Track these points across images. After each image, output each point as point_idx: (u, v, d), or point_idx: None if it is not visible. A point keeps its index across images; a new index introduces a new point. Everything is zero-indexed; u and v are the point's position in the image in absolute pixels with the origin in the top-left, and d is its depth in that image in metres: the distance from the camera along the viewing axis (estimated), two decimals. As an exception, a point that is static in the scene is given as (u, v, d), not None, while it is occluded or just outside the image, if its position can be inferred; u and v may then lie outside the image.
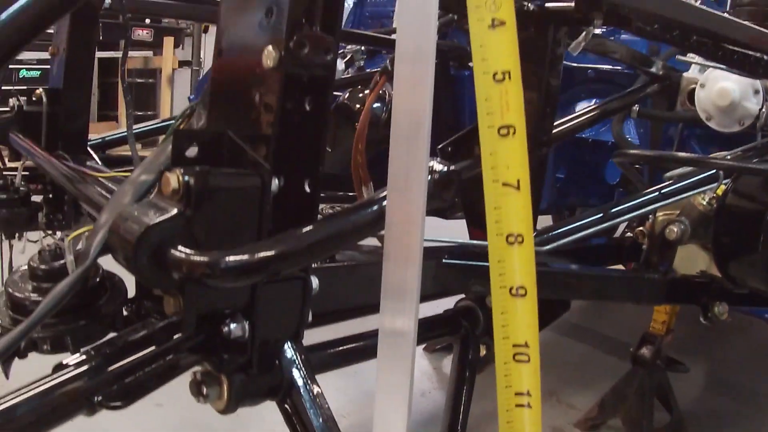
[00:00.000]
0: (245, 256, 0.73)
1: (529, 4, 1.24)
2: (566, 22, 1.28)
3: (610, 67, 2.17)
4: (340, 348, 1.13)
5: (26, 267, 0.94)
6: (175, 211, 0.73)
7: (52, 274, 0.91)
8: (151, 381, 0.77)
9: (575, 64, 2.18)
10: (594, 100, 2.37)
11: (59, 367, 0.75)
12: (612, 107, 1.80)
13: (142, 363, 0.76)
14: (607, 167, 2.38)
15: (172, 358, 0.79)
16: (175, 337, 0.81)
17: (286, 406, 0.93)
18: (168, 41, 6.93)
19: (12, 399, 0.70)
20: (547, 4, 1.25)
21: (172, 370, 0.80)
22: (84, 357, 0.75)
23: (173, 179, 0.72)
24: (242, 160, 0.81)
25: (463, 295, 1.36)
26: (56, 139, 1.62)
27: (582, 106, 2.46)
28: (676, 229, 1.40)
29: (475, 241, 1.27)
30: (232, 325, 0.83)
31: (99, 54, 5.50)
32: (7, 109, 1.66)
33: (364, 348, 1.13)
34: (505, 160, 0.66)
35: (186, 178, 0.72)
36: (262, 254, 0.74)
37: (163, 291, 0.78)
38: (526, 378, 0.67)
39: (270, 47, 0.77)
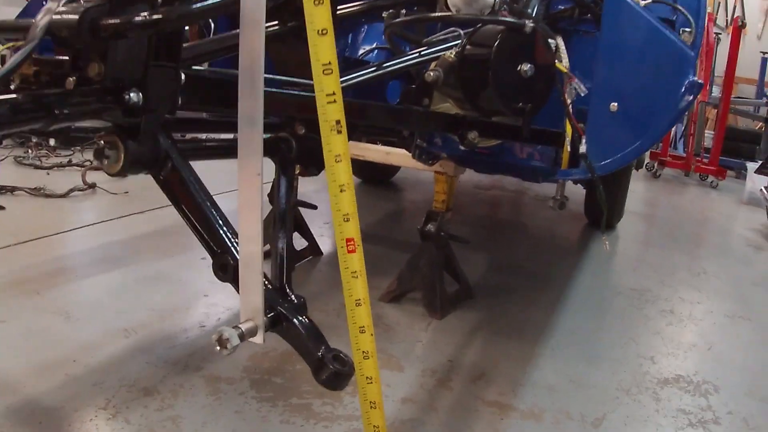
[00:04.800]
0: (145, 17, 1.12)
1: None
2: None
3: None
4: (204, 145, 1.52)
5: None
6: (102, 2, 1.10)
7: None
8: (84, 114, 1.13)
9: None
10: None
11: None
12: (380, 3, 2.26)
13: (82, 100, 1.12)
14: (387, 91, 2.88)
15: (95, 101, 1.14)
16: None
17: (162, 176, 1.30)
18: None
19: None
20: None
21: (95, 111, 1.15)
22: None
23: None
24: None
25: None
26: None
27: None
28: (432, 74, 1.90)
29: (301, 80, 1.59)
30: (132, 94, 1.19)
31: None
32: None
33: (222, 147, 1.52)
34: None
35: None
36: (153, 17, 1.13)
37: (90, 59, 1.14)
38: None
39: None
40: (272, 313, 1.19)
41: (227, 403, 2.02)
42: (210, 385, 2.11)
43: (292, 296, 1.27)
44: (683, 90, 1.81)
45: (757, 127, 10.17)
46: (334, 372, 1.18)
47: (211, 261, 1.30)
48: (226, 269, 1.23)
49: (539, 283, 3.51)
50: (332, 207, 1.14)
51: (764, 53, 10.32)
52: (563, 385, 2.35)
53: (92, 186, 4.39)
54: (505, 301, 3.13)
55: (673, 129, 9.20)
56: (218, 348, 1.09)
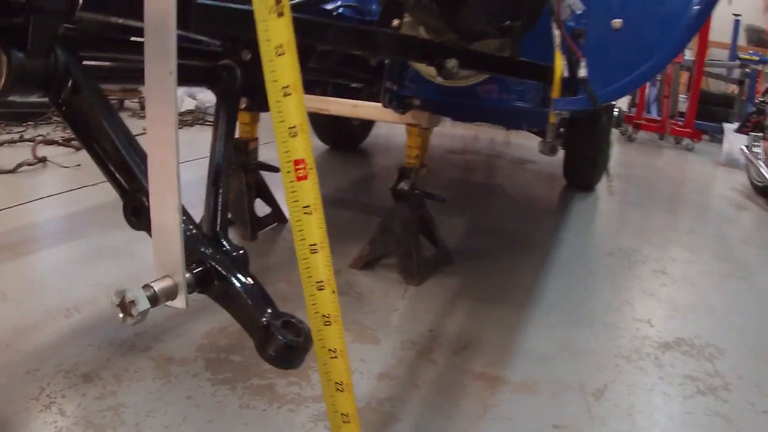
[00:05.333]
0: None
1: None
2: None
3: None
4: (119, 66, 1.21)
5: None
6: None
7: None
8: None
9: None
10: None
11: None
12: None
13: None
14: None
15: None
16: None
17: (61, 99, 1.01)
18: None
19: None
20: None
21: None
22: None
23: None
24: None
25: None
26: None
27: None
28: (402, -11, 1.62)
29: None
30: (15, -12, 0.90)
31: None
32: None
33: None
34: None
35: None
36: None
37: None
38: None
39: None
40: (200, 269, 0.90)
41: (178, 387, 1.76)
42: (159, 367, 1.85)
43: (228, 246, 0.98)
44: (698, -4, 1.55)
45: (730, 91, 10.05)
46: (285, 344, 0.88)
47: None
48: (140, 213, 0.94)
49: (522, 245, 3.28)
50: (274, 118, 0.85)
51: (736, 15, 10.21)
52: (557, 353, 2.11)
53: (42, 160, 4.13)
54: (487, 265, 2.89)
55: (647, 92, 9.06)
56: (120, 315, 0.80)
